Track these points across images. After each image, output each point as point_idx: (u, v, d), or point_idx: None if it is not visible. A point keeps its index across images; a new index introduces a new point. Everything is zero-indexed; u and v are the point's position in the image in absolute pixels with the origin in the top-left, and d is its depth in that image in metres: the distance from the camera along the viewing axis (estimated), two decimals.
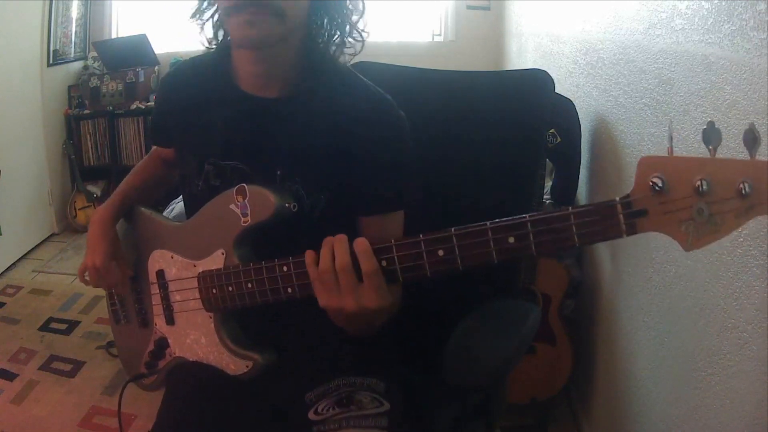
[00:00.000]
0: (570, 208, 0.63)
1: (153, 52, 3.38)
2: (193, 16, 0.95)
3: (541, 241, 0.65)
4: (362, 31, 0.94)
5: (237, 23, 0.81)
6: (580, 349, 1.71)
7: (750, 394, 0.89)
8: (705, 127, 0.56)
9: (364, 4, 0.94)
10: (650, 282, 1.25)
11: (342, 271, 0.75)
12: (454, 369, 0.98)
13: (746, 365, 0.90)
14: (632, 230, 0.61)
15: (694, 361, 1.06)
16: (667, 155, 0.59)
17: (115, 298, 1.08)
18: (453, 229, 0.70)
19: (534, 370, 1.68)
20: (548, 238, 0.64)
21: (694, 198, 0.56)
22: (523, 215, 0.65)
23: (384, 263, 0.74)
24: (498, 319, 1.09)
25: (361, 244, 0.75)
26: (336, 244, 0.76)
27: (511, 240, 0.66)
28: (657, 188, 0.58)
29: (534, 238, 0.65)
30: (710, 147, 0.56)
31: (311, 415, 0.91)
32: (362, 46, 0.95)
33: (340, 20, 0.92)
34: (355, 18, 0.93)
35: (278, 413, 0.95)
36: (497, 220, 0.67)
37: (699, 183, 0.56)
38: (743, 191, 0.54)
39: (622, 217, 0.60)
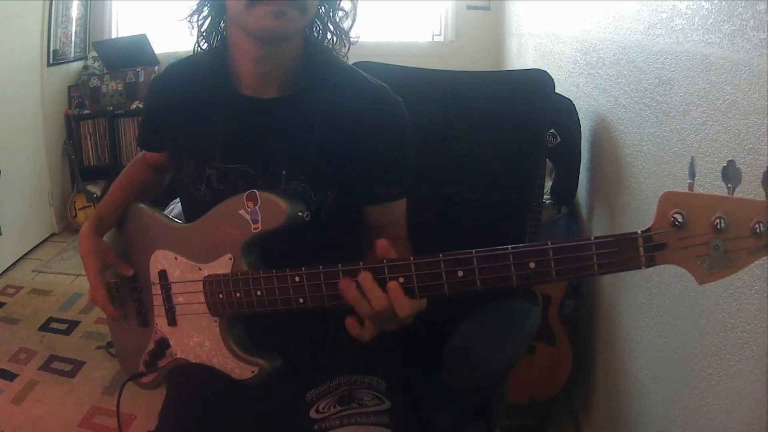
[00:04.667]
0: (592, 237, 0.64)
1: (153, 52, 3.38)
2: (192, 15, 0.93)
3: (561, 268, 0.66)
4: (351, 36, 0.94)
5: (264, 13, 0.79)
6: (580, 349, 1.71)
7: (750, 394, 0.89)
8: (725, 164, 0.58)
9: (355, 7, 0.94)
10: (650, 282, 1.25)
11: (382, 311, 0.75)
12: (454, 370, 0.97)
13: (746, 365, 0.90)
14: (651, 263, 0.62)
15: (694, 361, 1.06)
16: (687, 191, 0.61)
17: (114, 295, 1.07)
18: (474, 251, 0.70)
19: (534, 370, 1.68)
20: (569, 266, 0.65)
21: (711, 235, 0.59)
22: (546, 242, 0.66)
23: (402, 280, 0.74)
24: (498, 319, 1.09)
25: (394, 290, 0.73)
26: (369, 293, 0.74)
27: (532, 265, 0.67)
28: (677, 223, 0.60)
29: (555, 265, 0.66)
30: (729, 185, 0.58)
31: (312, 414, 0.91)
32: (349, 48, 0.96)
33: (332, 27, 0.93)
34: (346, 25, 0.93)
35: (280, 412, 0.95)
36: (519, 245, 0.68)
37: (717, 221, 0.58)
38: (757, 230, 0.56)
39: (642, 250, 0.62)
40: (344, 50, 0.95)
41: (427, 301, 0.79)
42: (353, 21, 0.94)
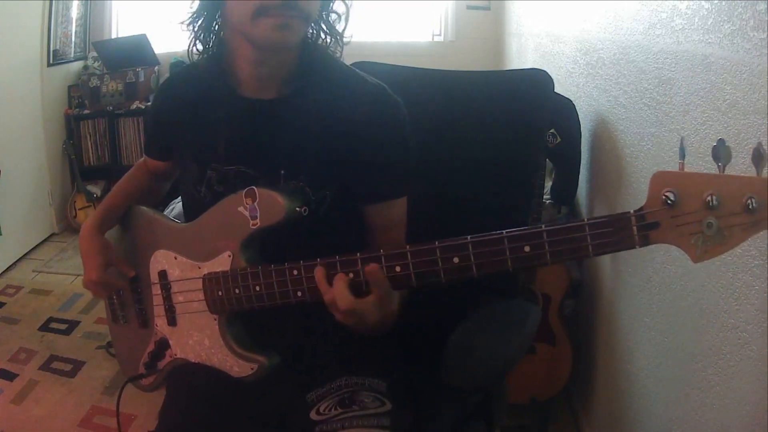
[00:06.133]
0: (585, 219, 0.64)
1: (153, 52, 3.38)
2: (191, 22, 0.93)
3: (556, 250, 0.66)
4: (344, 38, 0.95)
5: (270, 25, 0.80)
6: (580, 349, 1.71)
7: (750, 394, 0.89)
8: (715, 144, 0.59)
9: (348, 9, 0.94)
10: (650, 282, 1.25)
11: (351, 310, 0.76)
12: (454, 369, 0.98)
13: (746, 365, 0.90)
14: (645, 242, 0.62)
15: (694, 361, 1.06)
16: (678, 170, 0.61)
17: (114, 297, 1.08)
18: (469, 237, 0.71)
19: (534, 370, 1.68)
20: (563, 248, 0.66)
21: (704, 212, 0.59)
22: (539, 225, 0.66)
23: (398, 269, 0.74)
24: (498, 319, 1.09)
25: (374, 272, 0.75)
26: (320, 287, 0.77)
27: (527, 249, 0.67)
28: (669, 202, 0.60)
29: (549, 247, 0.66)
30: (719, 163, 0.59)
31: (313, 415, 0.91)
32: (342, 49, 0.97)
33: (325, 27, 0.93)
34: (340, 27, 0.94)
35: (280, 413, 0.95)
36: (513, 229, 0.68)
37: (709, 198, 0.58)
38: (750, 206, 0.57)
39: (635, 229, 0.62)
40: (338, 50, 0.96)
41: (400, 306, 0.82)
42: (346, 23, 0.94)
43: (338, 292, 0.76)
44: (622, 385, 1.43)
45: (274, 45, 0.85)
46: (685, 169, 0.61)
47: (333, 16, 0.93)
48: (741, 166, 0.83)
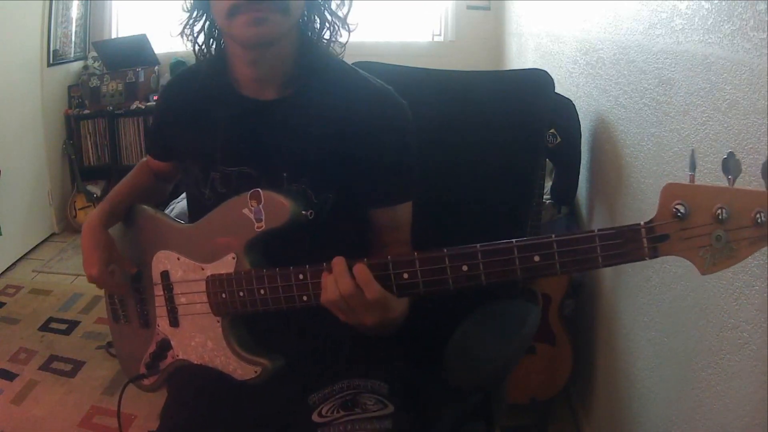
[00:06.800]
0: (596, 230, 0.64)
1: (153, 52, 3.38)
2: (183, 31, 0.93)
3: (565, 261, 0.66)
4: (349, 24, 0.93)
5: (244, 22, 0.80)
6: (580, 349, 1.71)
7: (750, 394, 0.89)
8: (725, 156, 0.59)
9: None
10: (650, 282, 1.25)
11: (349, 297, 0.76)
12: (454, 370, 0.98)
13: (746, 365, 0.90)
14: (654, 254, 0.63)
15: (694, 361, 1.06)
16: (688, 183, 0.61)
17: (115, 296, 1.07)
18: (478, 246, 0.71)
19: (534, 370, 1.68)
20: (573, 259, 0.66)
21: (713, 225, 0.59)
22: (550, 235, 0.66)
23: (406, 276, 0.74)
24: (498, 319, 1.09)
25: (361, 272, 0.75)
26: (335, 271, 0.77)
27: (537, 259, 0.67)
28: (679, 215, 0.60)
29: (559, 257, 0.66)
30: (729, 177, 0.59)
31: (315, 417, 0.91)
32: (348, 39, 0.95)
33: (329, 16, 0.92)
34: (342, 12, 0.93)
35: (282, 414, 0.95)
36: (523, 238, 0.68)
37: (719, 211, 0.58)
38: (759, 220, 0.57)
39: (645, 241, 0.62)
40: (342, 40, 0.94)
41: (412, 300, 0.80)
42: (349, 8, 0.93)
43: (337, 273, 0.76)
44: (622, 385, 1.43)
45: (251, 41, 0.84)
46: (695, 180, 0.62)
47: (335, 3, 0.92)
48: (741, 166, 0.83)
